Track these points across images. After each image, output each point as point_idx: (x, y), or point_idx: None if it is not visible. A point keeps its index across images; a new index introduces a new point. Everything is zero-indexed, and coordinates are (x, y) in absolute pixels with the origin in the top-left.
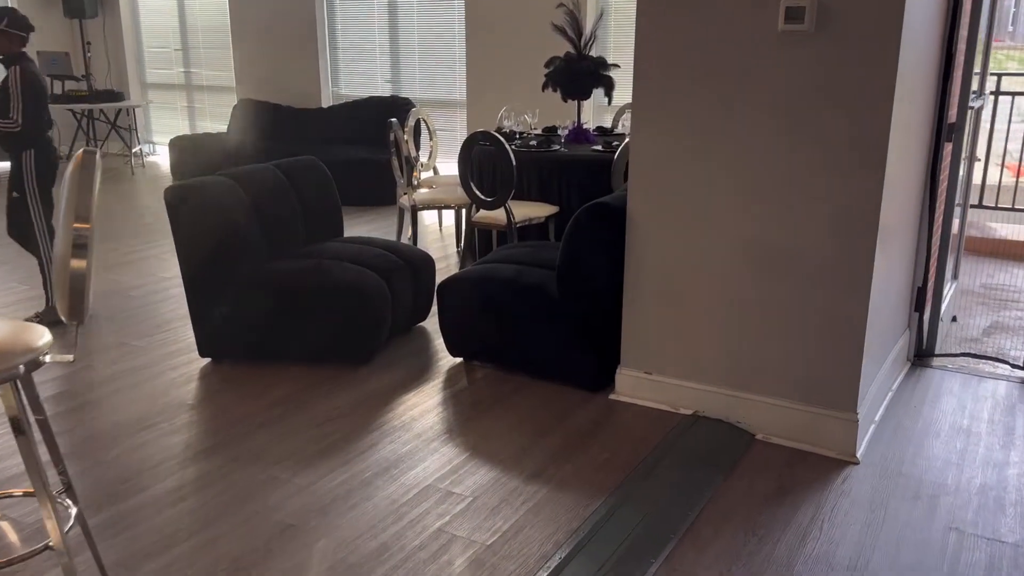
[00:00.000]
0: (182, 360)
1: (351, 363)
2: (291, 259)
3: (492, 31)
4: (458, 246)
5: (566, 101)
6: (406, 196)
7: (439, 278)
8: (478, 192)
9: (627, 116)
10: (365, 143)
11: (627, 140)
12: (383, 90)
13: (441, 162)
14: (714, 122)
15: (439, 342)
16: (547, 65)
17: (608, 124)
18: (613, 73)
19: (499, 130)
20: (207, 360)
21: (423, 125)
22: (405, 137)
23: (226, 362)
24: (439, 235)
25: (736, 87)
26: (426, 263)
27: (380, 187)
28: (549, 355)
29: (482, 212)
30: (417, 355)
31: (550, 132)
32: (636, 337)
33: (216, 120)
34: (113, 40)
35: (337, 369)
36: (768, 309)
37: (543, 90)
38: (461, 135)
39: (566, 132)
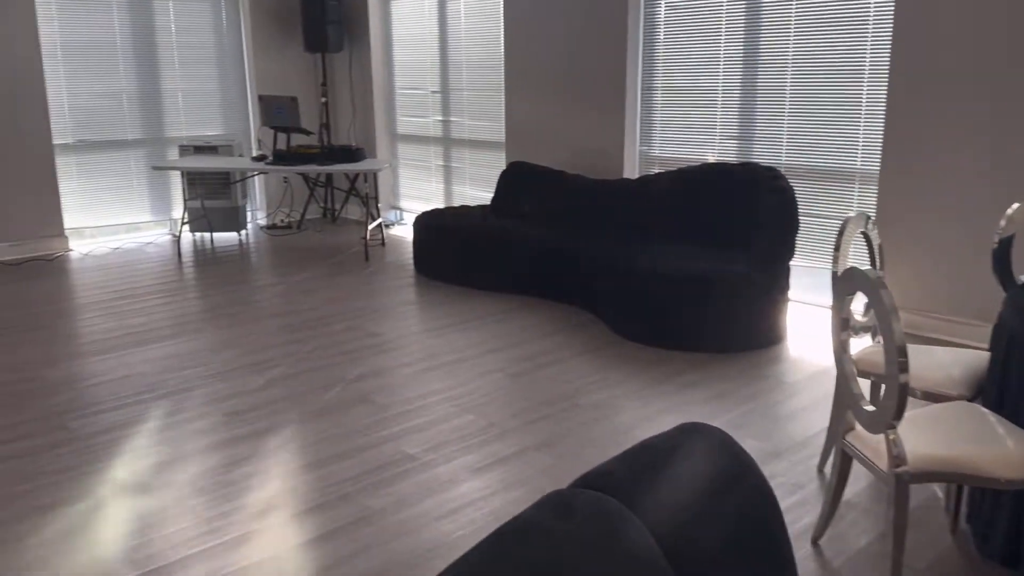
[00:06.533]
0: None
1: None
2: None
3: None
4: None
5: None
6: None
7: None
8: None
9: None
10: (703, 238)
11: None
12: (722, 151)
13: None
14: None
15: None
16: None
17: None
18: None
19: None
20: None
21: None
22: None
23: None
24: None
25: None
26: None
27: (749, 322)
28: None
29: None
30: None
31: None
32: None
33: (480, 185)
34: (360, 81)
35: None
36: None
37: None
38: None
39: None
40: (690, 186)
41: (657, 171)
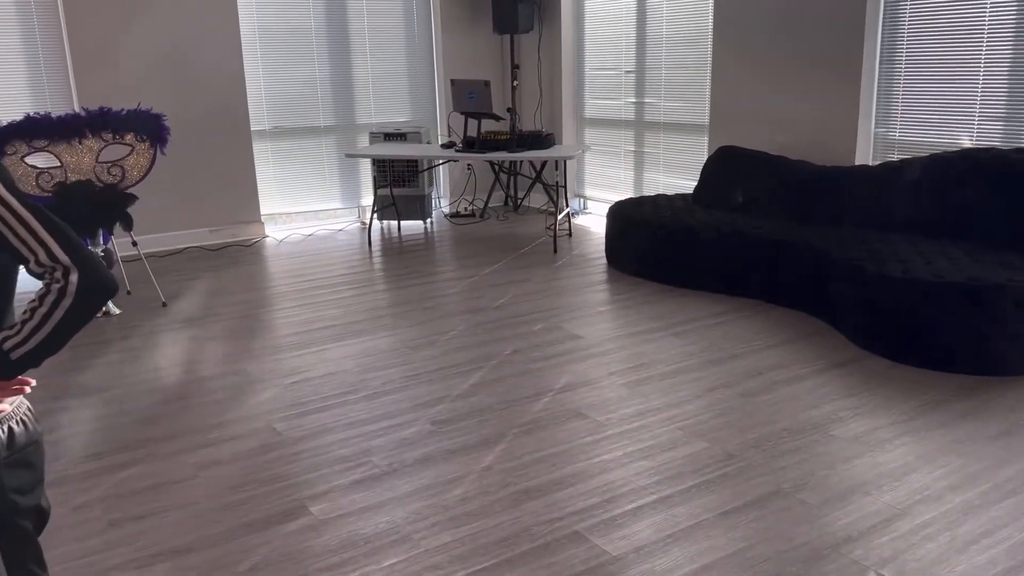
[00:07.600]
0: None
1: None
2: None
3: None
4: None
5: None
6: None
7: None
8: None
9: None
10: (965, 236)
11: None
12: (981, 136)
13: None
14: None
15: None
16: None
17: None
18: None
19: None
20: None
21: None
22: None
23: None
24: None
25: None
26: None
27: None
28: None
29: None
30: None
31: None
32: None
33: (675, 173)
34: (548, 63)
35: None
36: None
37: None
38: None
39: None
40: (950, 175)
41: (899, 157)
